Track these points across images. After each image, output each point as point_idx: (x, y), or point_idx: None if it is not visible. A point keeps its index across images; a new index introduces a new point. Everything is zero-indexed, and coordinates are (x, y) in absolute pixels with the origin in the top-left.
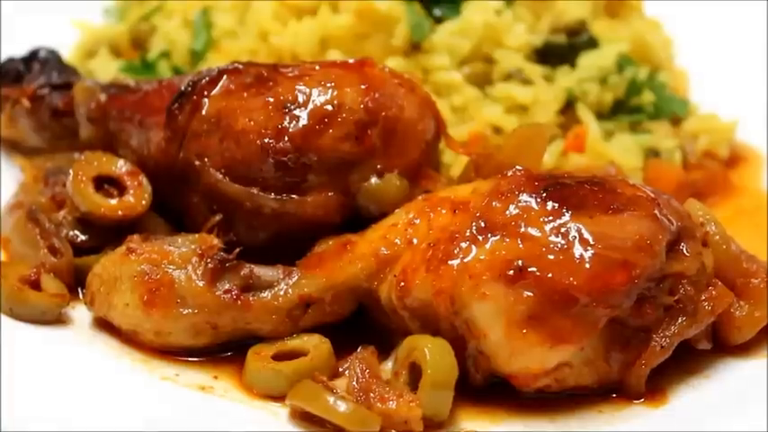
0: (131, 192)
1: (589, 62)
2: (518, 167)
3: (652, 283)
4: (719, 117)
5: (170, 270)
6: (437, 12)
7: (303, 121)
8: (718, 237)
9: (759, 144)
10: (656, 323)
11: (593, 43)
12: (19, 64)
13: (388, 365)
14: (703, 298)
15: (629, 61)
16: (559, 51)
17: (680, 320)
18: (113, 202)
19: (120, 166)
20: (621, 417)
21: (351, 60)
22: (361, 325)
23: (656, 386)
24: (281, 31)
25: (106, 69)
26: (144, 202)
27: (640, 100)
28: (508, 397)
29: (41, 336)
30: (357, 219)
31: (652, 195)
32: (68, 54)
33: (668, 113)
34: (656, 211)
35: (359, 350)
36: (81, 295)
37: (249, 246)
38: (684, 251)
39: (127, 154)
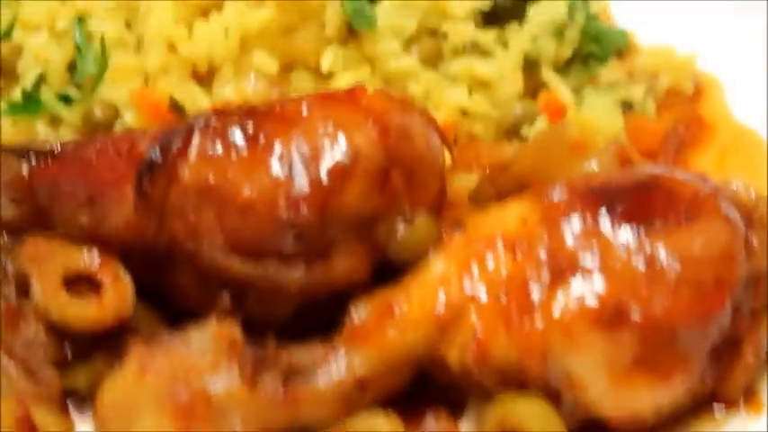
0: (110, 289)
1: (540, 16)
2: (559, 185)
3: (741, 290)
4: (676, 50)
5: (200, 382)
6: None
7: (319, 183)
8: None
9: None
10: (745, 330)
11: None
12: None
13: (464, 426)
14: None
15: (577, 4)
16: (508, 8)
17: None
18: (94, 308)
19: (90, 259)
20: None
21: (339, 93)
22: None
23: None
24: (187, 36)
25: None
26: (129, 297)
27: (590, 46)
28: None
29: None
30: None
31: (708, 190)
32: None
33: (612, 50)
34: (723, 207)
35: (431, 422)
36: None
37: (266, 323)
38: (754, 243)
39: (71, 230)
